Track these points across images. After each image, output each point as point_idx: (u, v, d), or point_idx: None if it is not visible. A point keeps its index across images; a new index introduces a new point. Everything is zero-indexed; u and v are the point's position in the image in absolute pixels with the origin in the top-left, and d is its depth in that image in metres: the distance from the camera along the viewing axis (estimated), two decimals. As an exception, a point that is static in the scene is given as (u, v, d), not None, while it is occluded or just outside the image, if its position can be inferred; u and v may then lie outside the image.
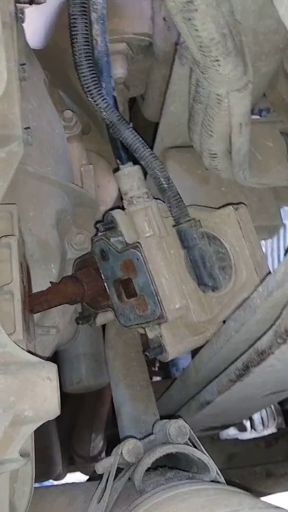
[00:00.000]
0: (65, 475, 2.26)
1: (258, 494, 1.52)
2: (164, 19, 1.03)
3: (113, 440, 2.05)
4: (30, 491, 0.70)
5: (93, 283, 0.94)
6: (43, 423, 0.66)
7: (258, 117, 1.26)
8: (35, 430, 0.66)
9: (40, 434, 0.68)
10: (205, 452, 0.79)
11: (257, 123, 1.04)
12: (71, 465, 2.24)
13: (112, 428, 1.94)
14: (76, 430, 2.14)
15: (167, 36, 1.03)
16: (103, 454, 2.15)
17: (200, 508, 0.53)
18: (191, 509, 0.54)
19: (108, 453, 2.09)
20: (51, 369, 0.66)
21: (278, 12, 0.54)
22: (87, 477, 2.26)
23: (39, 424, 0.65)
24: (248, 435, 1.94)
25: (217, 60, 0.68)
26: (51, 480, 2.13)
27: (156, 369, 2.37)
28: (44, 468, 1.98)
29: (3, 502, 0.66)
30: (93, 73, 0.85)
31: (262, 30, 0.78)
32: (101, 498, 0.76)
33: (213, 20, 0.63)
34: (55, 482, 2.17)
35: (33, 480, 0.70)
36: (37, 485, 0.73)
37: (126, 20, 1.06)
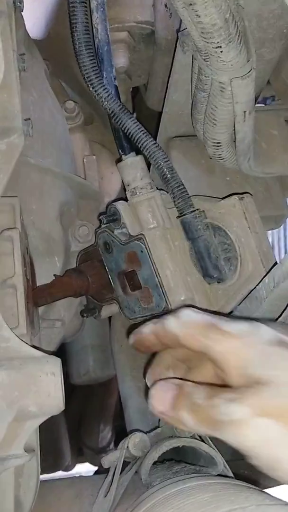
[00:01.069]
0: (74, 466, 2.27)
1: (266, 486, 1.52)
2: (165, 6, 1.02)
3: (121, 431, 2.06)
4: (36, 486, 0.70)
5: (98, 276, 0.93)
6: (50, 417, 0.66)
7: (262, 105, 1.24)
8: (43, 422, 0.66)
9: (49, 426, 0.68)
10: (212, 445, 0.78)
11: (261, 111, 1.03)
12: (80, 456, 2.25)
13: (120, 419, 1.95)
14: (85, 421, 2.15)
15: (169, 23, 1.01)
16: (112, 445, 2.16)
17: (206, 504, 0.52)
18: (198, 505, 0.53)
19: (116, 444, 2.10)
20: (55, 364, 0.66)
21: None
22: (96, 468, 2.28)
23: (43, 420, 0.65)
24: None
25: (220, 47, 0.67)
26: (60, 472, 2.15)
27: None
28: (53, 460, 2.00)
29: (8, 497, 0.66)
30: (93, 62, 0.84)
31: (266, 15, 0.77)
32: (107, 492, 0.76)
33: (215, 5, 0.62)
34: (64, 473, 2.19)
35: (39, 475, 0.70)
36: (46, 476, 0.73)
37: (127, 8, 1.04)
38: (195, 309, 0.60)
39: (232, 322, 0.55)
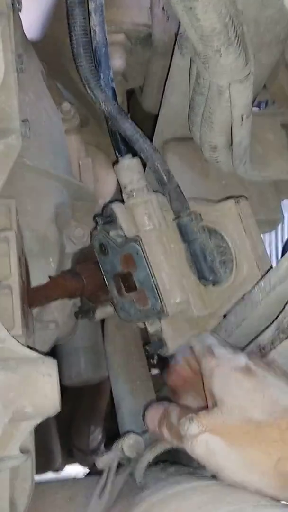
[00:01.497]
0: (64, 467, 2.27)
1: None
2: (163, 8, 1.02)
3: (111, 433, 2.05)
4: (31, 488, 0.70)
5: (93, 277, 0.93)
6: (43, 418, 0.66)
7: (257, 109, 1.25)
8: (35, 425, 0.66)
9: (39, 427, 0.68)
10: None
11: (257, 115, 1.03)
12: (70, 458, 2.25)
13: (111, 421, 1.95)
14: (75, 423, 2.14)
15: (166, 26, 1.02)
16: (102, 447, 2.15)
17: (203, 506, 0.52)
18: (195, 507, 0.53)
19: (106, 446, 2.10)
20: (51, 365, 0.66)
21: (281, 2, 0.53)
22: (86, 469, 2.27)
23: (39, 421, 0.65)
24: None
25: (219, 50, 0.67)
26: (50, 473, 2.15)
27: (155, 362, 2.37)
28: (43, 461, 1.99)
29: (3, 499, 0.65)
30: (91, 65, 0.84)
31: (263, 20, 0.77)
32: (102, 494, 0.76)
33: (215, 10, 0.62)
34: (54, 475, 2.18)
35: (34, 477, 0.70)
36: (36, 478, 0.73)
37: (124, 10, 1.05)
38: (215, 334, 0.75)
39: (223, 348, 0.69)
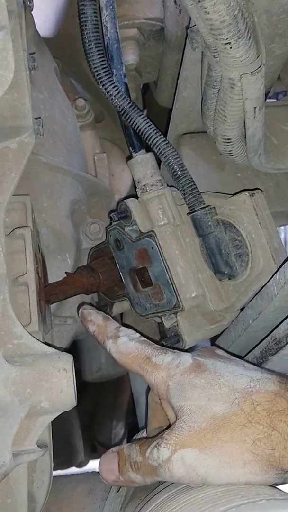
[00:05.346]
0: (87, 462, 2.29)
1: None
2: (175, 2, 1.02)
3: (133, 428, 2.07)
4: (49, 481, 0.70)
5: (109, 273, 0.94)
6: (63, 413, 0.66)
7: (274, 100, 1.24)
8: (55, 419, 0.66)
9: (62, 423, 0.69)
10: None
11: (272, 107, 1.02)
12: (93, 453, 2.26)
13: (133, 416, 1.96)
14: (97, 418, 2.16)
15: (179, 20, 1.01)
16: (124, 442, 2.17)
17: (217, 499, 0.53)
18: (209, 499, 0.53)
19: (129, 441, 2.11)
20: (67, 360, 0.66)
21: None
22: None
23: (55, 415, 0.66)
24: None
25: (229, 43, 0.67)
26: (73, 468, 2.17)
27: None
28: (66, 456, 2.01)
29: (21, 492, 0.66)
30: (103, 60, 0.84)
31: (275, 11, 0.76)
32: (120, 487, 0.77)
33: (224, 2, 0.62)
34: (78, 470, 2.21)
35: (52, 470, 0.71)
36: (60, 472, 0.73)
37: (136, 5, 1.05)
38: (132, 334, 0.72)
39: (162, 354, 0.66)
